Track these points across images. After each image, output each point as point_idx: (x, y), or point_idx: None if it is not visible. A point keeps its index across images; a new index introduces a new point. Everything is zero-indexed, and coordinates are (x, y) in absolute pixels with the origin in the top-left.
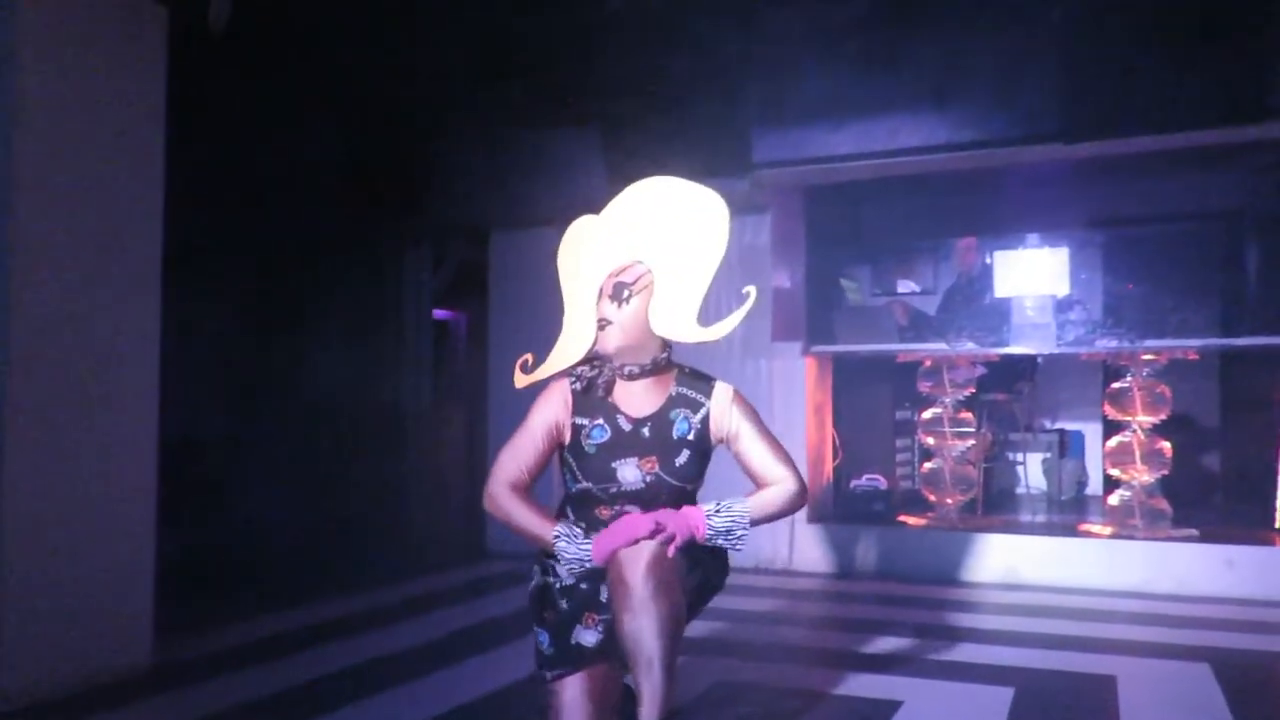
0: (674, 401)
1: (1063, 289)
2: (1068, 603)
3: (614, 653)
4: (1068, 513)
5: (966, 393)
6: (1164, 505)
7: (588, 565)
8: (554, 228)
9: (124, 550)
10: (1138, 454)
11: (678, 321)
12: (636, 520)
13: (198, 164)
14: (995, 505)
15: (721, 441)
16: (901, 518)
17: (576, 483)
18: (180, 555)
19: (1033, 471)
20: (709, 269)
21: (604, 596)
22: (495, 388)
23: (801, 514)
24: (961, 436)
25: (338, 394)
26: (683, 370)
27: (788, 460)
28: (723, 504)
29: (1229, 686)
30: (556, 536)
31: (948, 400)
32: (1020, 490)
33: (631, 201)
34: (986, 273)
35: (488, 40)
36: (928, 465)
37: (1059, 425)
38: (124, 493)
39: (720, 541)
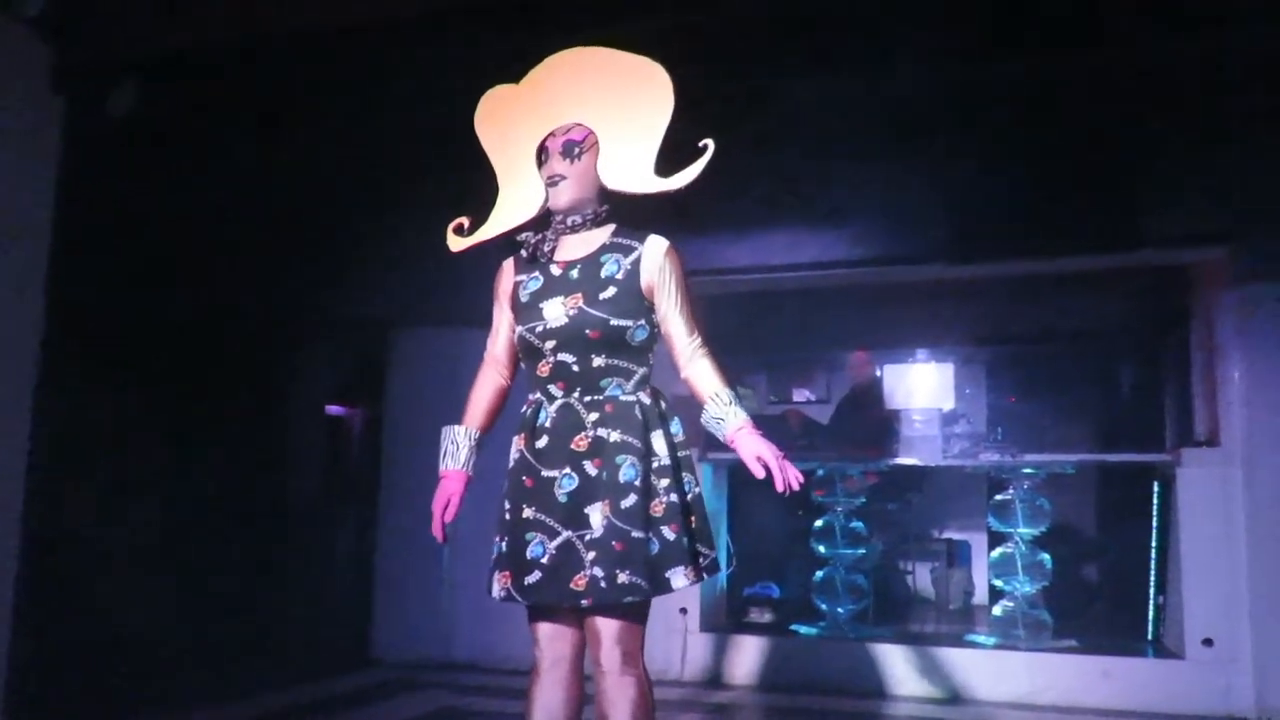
0: (607, 248)
1: (949, 403)
2: (954, 715)
3: (559, 589)
4: (955, 622)
5: (859, 501)
6: (1045, 616)
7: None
8: (454, 328)
9: None
10: (1019, 565)
11: (635, 174)
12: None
13: (82, 252)
14: (886, 614)
15: (650, 292)
16: (794, 626)
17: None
18: (36, 658)
19: (921, 580)
20: (659, 127)
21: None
22: (389, 487)
23: (694, 622)
24: (853, 545)
25: (218, 488)
26: (621, 226)
27: (696, 327)
28: (715, 412)
29: None
30: (444, 432)
31: (840, 509)
32: (910, 599)
33: (559, 71)
34: (878, 385)
35: (393, 138)
36: (820, 573)
37: (947, 535)
38: None
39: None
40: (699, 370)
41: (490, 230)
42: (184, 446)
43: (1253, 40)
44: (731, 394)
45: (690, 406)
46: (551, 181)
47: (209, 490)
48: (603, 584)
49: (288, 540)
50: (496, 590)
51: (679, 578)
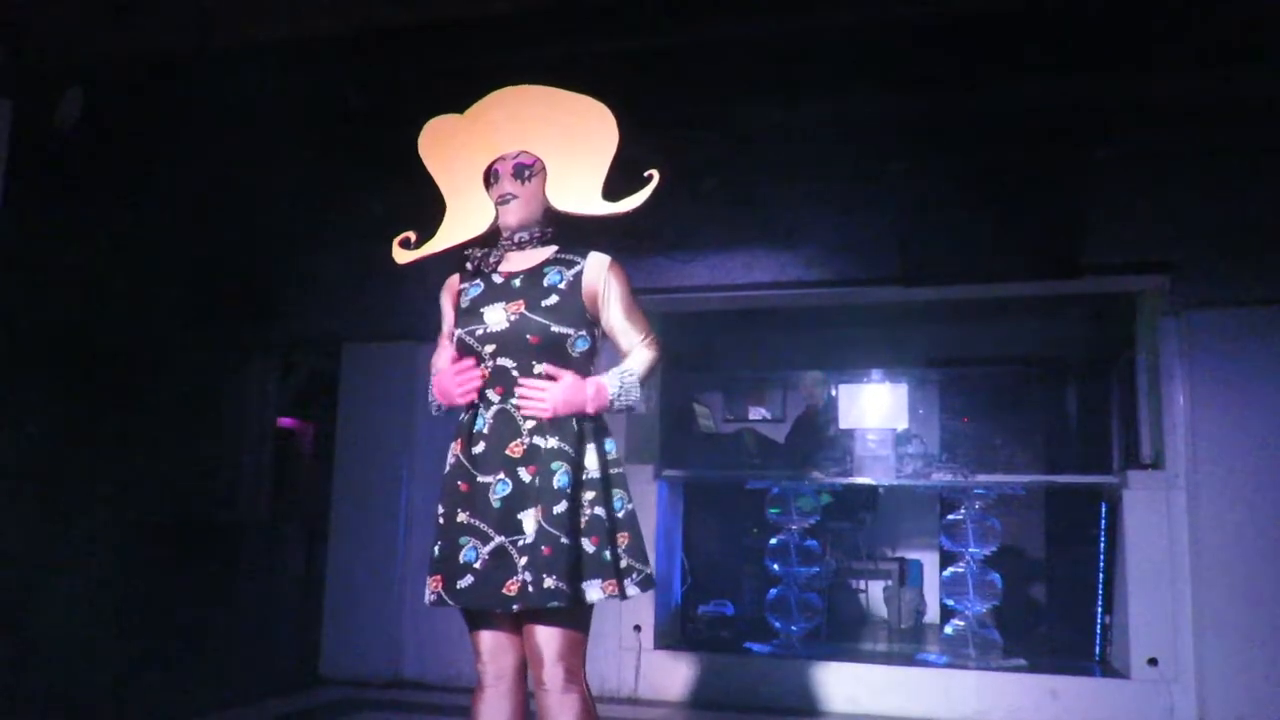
0: (550, 261)
1: (902, 423)
2: None
3: (491, 593)
4: (907, 641)
5: (813, 520)
6: (995, 635)
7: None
8: (408, 343)
9: None
10: (970, 584)
11: (583, 198)
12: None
13: (22, 263)
14: (839, 632)
15: (594, 304)
16: (748, 644)
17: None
18: None
19: (874, 599)
20: (604, 158)
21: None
22: (340, 502)
23: (649, 640)
24: (807, 563)
25: (163, 504)
26: (564, 245)
27: (647, 329)
28: (611, 373)
29: None
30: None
31: (794, 527)
32: (863, 618)
33: (504, 105)
34: (832, 405)
35: (349, 153)
36: (773, 591)
37: (899, 554)
38: None
39: (623, 403)
40: (634, 359)
41: (437, 244)
42: (127, 462)
43: (1192, 80)
44: (635, 375)
45: (631, 426)
46: (503, 200)
47: (153, 506)
48: (530, 589)
49: (235, 556)
50: (428, 594)
51: (594, 590)
